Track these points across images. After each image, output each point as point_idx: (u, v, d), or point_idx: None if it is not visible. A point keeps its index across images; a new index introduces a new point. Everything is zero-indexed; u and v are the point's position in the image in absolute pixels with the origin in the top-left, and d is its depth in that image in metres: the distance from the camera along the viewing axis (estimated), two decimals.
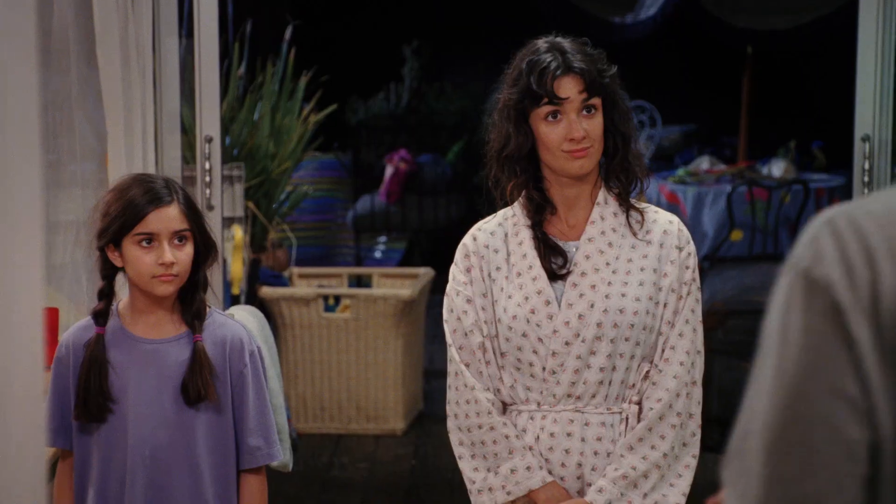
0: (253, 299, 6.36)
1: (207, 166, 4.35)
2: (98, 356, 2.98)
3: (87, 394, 2.97)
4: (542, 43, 2.94)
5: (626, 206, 2.97)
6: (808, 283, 1.46)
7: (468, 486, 3.00)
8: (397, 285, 7.11)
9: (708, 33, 8.28)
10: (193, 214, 3.00)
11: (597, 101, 2.90)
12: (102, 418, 2.99)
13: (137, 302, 3.03)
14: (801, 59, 9.91)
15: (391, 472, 6.08)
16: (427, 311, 6.92)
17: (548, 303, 2.91)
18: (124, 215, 2.93)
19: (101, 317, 3.01)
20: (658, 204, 8.38)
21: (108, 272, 3.02)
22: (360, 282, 7.69)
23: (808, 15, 7.93)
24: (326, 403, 6.63)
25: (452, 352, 2.99)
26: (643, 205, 3.02)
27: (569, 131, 2.87)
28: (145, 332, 3.03)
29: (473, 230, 3.04)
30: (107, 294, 3.03)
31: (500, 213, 3.04)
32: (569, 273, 2.93)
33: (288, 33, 7.26)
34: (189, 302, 3.04)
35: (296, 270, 7.21)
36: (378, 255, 9.85)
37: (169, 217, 2.94)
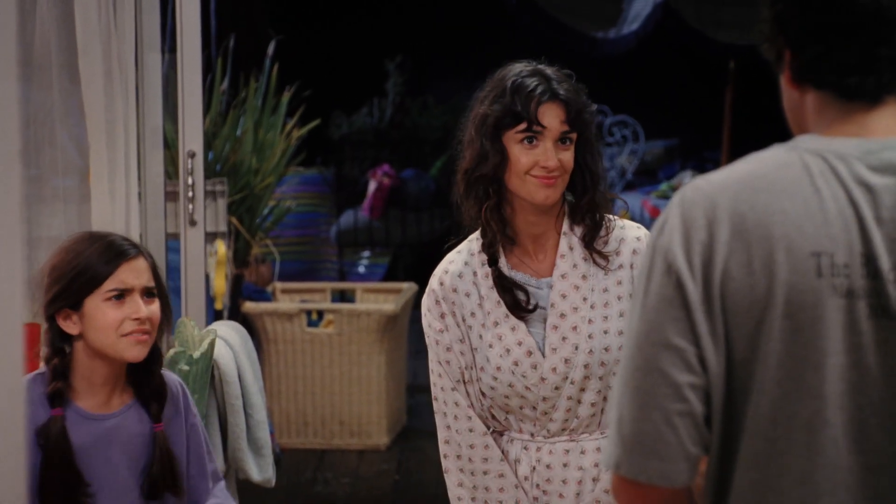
0: (236, 314, 6.35)
1: (190, 181, 4.34)
2: (63, 443, 2.65)
3: (61, 488, 2.65)
4: (523, 66, 2.86)
5: (590, 248, 2.88)
6: (654, 250, 1.70)
7: None
8: (381, 300, 7.10)
9: (690, 48, 8.30)
10: (157, 272, 2.78)
11: (574, 134, 2.82)
12: None
13: (90, 372, 2.71)
14: None
15: (375, 487, 6.06)
16: (410, 326, 6.91)
17: (530, 353, 2.83)
18: (90, 271, 2.67)
19: (58, 397, 2.67)
20: (641, 219, 8.39)
21: (62, 344, 2.69)
22: (343, 297, 7.68)
23: None
24: (310, 418, 6.61)
25: (447, 394, 2.90)
26: (609, 221, 2.91)
27: (542, 159, 2.78)
28: (95, 407, 2.74)
29: (440, 273, 2.94)
30: (61, 371, 2.68)
31: (465, 247, 2.95)
32: (537, 309, 2.84)
33: (271, 48, 7.25)
34: (146, 377, 2.77)
35: (279, 285, 7.19)
36: (361, 269, 9.84)
37: (140, 270, 2.71)
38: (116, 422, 2.73)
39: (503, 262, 2.89)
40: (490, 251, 2.89)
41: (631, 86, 10.36)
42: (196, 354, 3.43)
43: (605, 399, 2.84)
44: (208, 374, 3.51)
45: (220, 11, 7.73)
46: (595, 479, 2.85)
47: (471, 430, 2.88)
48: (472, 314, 2.89)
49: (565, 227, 2.89)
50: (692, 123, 10.53)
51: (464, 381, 2.89)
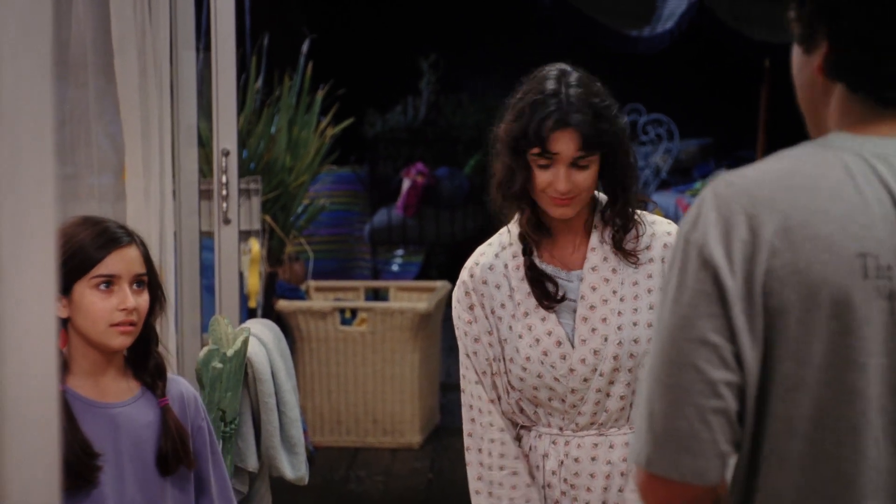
0: (270, 313, 6.36)
1: (224, 180, 4.35)
2: (66, 414, 2.60)
3: (69, 457, 2.58)
4: (551, 80, 2.81)
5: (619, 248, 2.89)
6: (688, 245, 1.67)
7: None
8: (414, 298, 7.10)
9: (725, 46, 8.27)
10: (149, 260, 2.75)
11: (592, 157, 2.79)
12: (94, 480, 2.64)
13: (84, 360, 2.70)
14: None
15: (408, 486, 6.07)
16: (444, 324, 6.91)
17: (559, 343, 2.85)
18: (80, 255, 2.65)
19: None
20: (675, 218, 8.37)
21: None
22: (376, 295, 7.69)
23: None
24: (343, 417, 6.62)
25: (471, 387, 2.93)
26: (640, 217, 2.92)
27: (554, 181, 2.78)
28: (98, 395, 2.71)
29: (470, 265, 2.95)
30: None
31: (497, 240, 2.97)
32: (563, 299, 2.85)
33: (305, 47, 7.27)
34: (143, 358, 2.77)
35: (312, 284, 7.21)
36: (395, 268, 9.85)
37: (130, 258, 2.68)
38: (124, 411, 2.72)
39: (534, 255, 2.91)
40: (524, 241, 2.90)
41: (665, 84, 10.33)
42: (229, 352, 3.44)
43: (634, 392, 2.85)
44: (242, 372, 3.52)
45: (255, 10, 7.75)
46: (623, 474, 2.86)
47: (491, 425, 2.90)
48: (503, 305, 2.90)
49: (596, 220, 2.91)
50: (727, 122, 10.49)
51: (491, 374, 2.90)
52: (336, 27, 10.21)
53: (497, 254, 2.94)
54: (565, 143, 2.77)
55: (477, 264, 2.94)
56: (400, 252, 9.91)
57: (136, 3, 3.72)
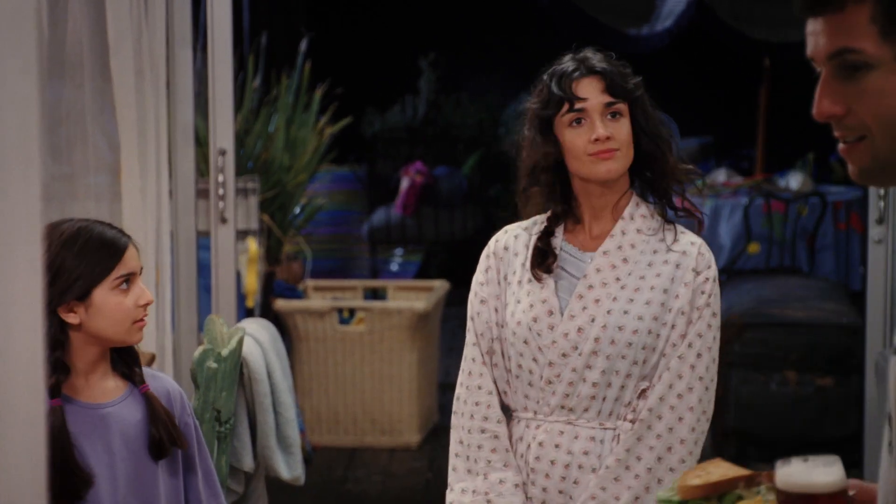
0: (267, 312, 6.35)
1: (221, 179, 4.34)
2: (61, 431, 2.60)
3: (60, 478, 2.59)
4: (567, 56, 2.93)
5: (661, 222, 2.95)
6: None
7: (449, 478, 2.98)
8: (412, 298, 7.09)
9: (725, 45, 8.26)
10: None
11: (621, 106, 2.88)
12: (81, 497, 2.64)
13: (80, 361, 2.70)
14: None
15: (406, 486, 6.06)
16: (442, 324, 6.90)
17: (551, 313, 2.89)
18: (101, 258, 2.67)
19: (57, 388, 2.63)
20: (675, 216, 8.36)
21: (61, 337, 2.66)
22: (375, 294, 7.68)
23: None
24: (341, 416, 6.61)
25: (468, 349, 2.99)
26: (676, 225, 2.99)
27: (592, 133, 2.83)
28: (90, 396, 2.73)
29: (501, 232, 3.04)
30: (63, 363, 2.65)
31: (534, 218, 3.02)
32: (550, 270, 2.91)
33: (303, 45, 7.26)
34: (122, 353, 2.77)
35: (311, 283, 7.20)
36: (394, 267, 9.84)
37: (136, 255, 2.73)
38: (113, 411, 2.73)
39: (559, 231, 2.97)
40: (552, 227, 2.97)
41: (665, 83, 10.32)
42: (224, 352, 3.43)
43: (608, 384, 2.86)
44: (237, 372, 3.51)
45: (254, 8, 7.74)
46: (581, 467, 2.87)
47: (479, 388, 2.95)
48: (514, 272, 2.97)
49: (626, 211, 2.95)
50: (727, 121, 10.49)
51: (490, 338, 2.96)
52: (335, 26, 10.20)
53: (527, 227, 3.01)
54: (591, 89, 2.86)
55: (506, 232, 3.03)
56: (399, 251, 9.90)
57: (133, 1, 3.71)
